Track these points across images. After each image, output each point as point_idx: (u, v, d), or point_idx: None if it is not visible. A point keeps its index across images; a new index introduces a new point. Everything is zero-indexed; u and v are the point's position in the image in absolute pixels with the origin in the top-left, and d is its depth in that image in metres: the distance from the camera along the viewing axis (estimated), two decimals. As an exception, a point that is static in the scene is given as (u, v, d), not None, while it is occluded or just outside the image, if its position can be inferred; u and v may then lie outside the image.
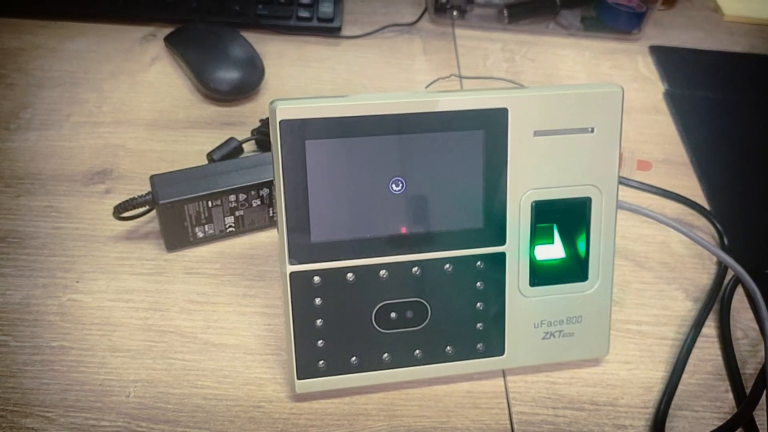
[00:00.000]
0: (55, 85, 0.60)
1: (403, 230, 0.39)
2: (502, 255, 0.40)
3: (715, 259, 0.51)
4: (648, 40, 0.73)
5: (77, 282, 0.46)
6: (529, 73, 0.67)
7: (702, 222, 0.54)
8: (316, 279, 0.39)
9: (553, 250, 0.42)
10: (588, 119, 0.39)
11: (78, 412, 0.39)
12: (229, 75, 0.59)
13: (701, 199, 0.56)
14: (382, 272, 0.39)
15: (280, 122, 0.36)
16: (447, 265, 0.40)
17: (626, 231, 0.53)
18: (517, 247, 0.40)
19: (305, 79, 0.64)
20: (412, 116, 0.37)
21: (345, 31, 0.69)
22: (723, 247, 0.52)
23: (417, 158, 0.38)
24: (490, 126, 0.38)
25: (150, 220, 0.49)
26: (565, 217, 0.41)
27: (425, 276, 0.40)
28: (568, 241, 0.42)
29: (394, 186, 0.38)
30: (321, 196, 0.38)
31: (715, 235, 0.53)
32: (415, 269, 0.40)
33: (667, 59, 0.71)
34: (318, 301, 0.39)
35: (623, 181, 0.53)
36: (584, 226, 0.41)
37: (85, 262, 0.47)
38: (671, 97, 0.66)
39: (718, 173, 0.59)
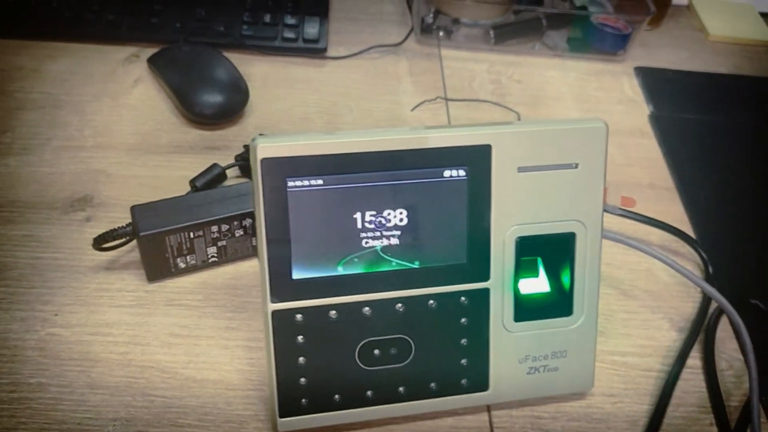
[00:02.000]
0: (37, 107, 0.60)
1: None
2: (486, 291, 0.40)
3: (698, 290, 0.51)
4: (633, 60, 0.73)
5: (56, 315, 0.45)
6: (515, 94, 0.67)
7: (687, 249, 0.54)
8: (299, 317, 0.38)
9: (537, 284, 0.42)
10: (572, 155, 0.39)
11: (55, 452, 0.38)
12: (212, 98, 0.58)
13: (686, 225, 0.56)
14: (366, 309, 0.39)
15: (261, 160, 0.36)
16: (431, 302, 0.40)
17: (611, 258, 0.53)
18: (501, 283, 0.40)
19: (290, 100, 0.63)
20: (395, 153, 0.37)
21: (330, 52, 0.69)
22: (707, 276, 0.52)
23: (400, 195, 0.38)
24: (474, 162, 0.38)
25: (131, 250, 0.49)
26: (550, 252, 0.41)
27: (409, 312, 0.39)
28: (553, 276, 0.42)
29: (377, 222, 0.38)
30: (302, 234, 0.37)
31: (700, 262, 0.53)
32: (398, 306, 0.39)
33: (653, 80, 0.71)
34: (300, 338, 0.39)
35: (608, 210, 0.53)
36: (569, 261, 0.41)
37: (65, 293, 0.46)
38: (656, 120, 0.66)
39: (703, 198, 0.59)
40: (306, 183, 0.37)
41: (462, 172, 0.38)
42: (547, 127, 0.39)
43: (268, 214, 0.36)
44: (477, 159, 0.38)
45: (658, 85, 0.70)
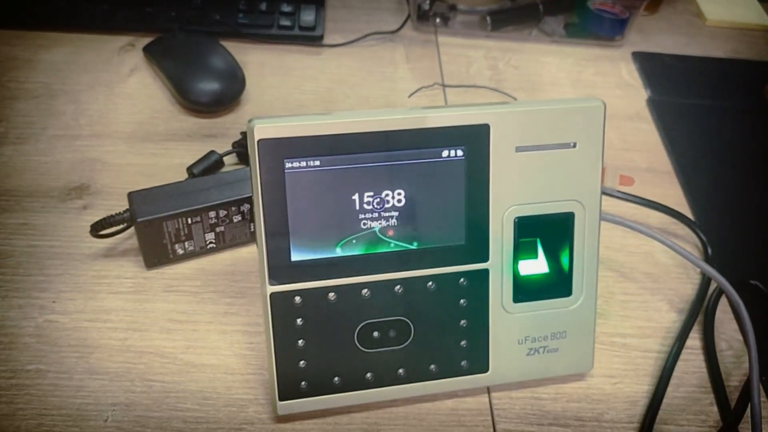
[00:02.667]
0: (31, 97, 0.59)
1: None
2: (485, 272, 0.40)
3: (699, 269, 0.51)
4: (631, 46, 0.73)
5: (54, 302, 0.45)
6: (512, 80, 0.67)
7: (686, 231, 0.54)
8: (297, 299, 0.38)
9: (536, 265, 0.42)
10: (570, 134, 0.39)
11: (54, 438, 0.38)
12: (209, 86, 0.58)
13: (685, 208, 0.56)
14: (365, 291, 0.39)
15: (258, 141, 0.36)
16: (430, 283, 0.39)
17: (610, 241, 0.53)
18: (500, 264, 0.40)
19: (287, 88, 0.63)
20: (392, 133, 0.37)
21: (327, 40, 0.68)
22: (707, 257, 0.52)
23: (398, 175, 0.38)
24: (472, 142, 0.38)
25: (129, 237, 0.49)
26: (549, 232, 0.41)
27: (408, 294, 0.39)
28: (552, 256, 0.42)
29: (375, 203, 0.38)
30: (301, 215, 0.37)
31: (699, 244, 0.53)
32: (397, 287, 0.39)
33: (650, 65, 0.71)
34: (299, 321, 0.38)
35: (606, 192, 0.53)
36: (567, 242, 0.41)
37: (62, 281, 0.46)
38: (654, 104, 0.66)
39: (701, 181, 0.58)
40: (304, 164, 0.36)
41: (460, 152, 0.38)
42: (545, 106, 0.39)
43: (265, 195, 0.36)
44: (475, 139, 0.38)
45: (656, 70, 0.70)
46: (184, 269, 0.48)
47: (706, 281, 0.50)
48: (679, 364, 0.45)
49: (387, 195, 0.38)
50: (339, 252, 0.38)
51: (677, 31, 0.77)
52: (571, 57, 0.71)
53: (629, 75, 0.70)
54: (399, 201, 0.38)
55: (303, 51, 0.67)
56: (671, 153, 0.61)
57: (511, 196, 0.39)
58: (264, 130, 0.35)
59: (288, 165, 0.36)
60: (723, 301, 0.50)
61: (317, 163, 0.37)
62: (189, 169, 0.52)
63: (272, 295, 0.38)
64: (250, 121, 0.36)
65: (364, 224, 0.38)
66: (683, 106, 0.66)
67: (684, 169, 0.59)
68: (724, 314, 0.49)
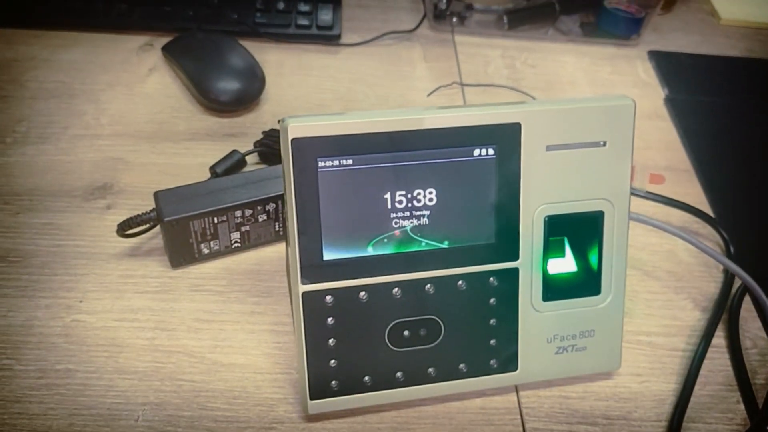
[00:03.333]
0: (51, 96, 0.59)
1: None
2: (515, 270, 0.40)
3: (722, 267, 0.51)
4: (646, 45, 0.73)
5: (81, 302, 0.45)
6: (529, 79, 0.67)
7: (708, 230, 0.54)
8: (329, 298, 0.38)
9: (564, 264, 0.42)
10: (600, 133, 0.39)
11: (86, 437, 0.38)
12: (229, 85, 0.58)
13: (705, 207, 0.56)
14: (395, 290, 0.39)
15: (292, 140, 0.36)
16: (460, 282, 0.39)
17: (633, 240, 0.53)
18: (530, 262, 0.40)
19: (306, 87, 0.63)
20: (424, 132, 0.37)
21: (344, 39, 0.68)
22: (729, 255, 0.52)
23: (430, 174, 0.38)
24: (503, 141, 0.38)
25: (153, 237, 0.49)
26: (577, 231, 0.41)
27: (438, 293, 0.39)
28: (580, 255, 0.42)
29: (407, 202, 0.38)
30: (333, 214, 0.37)
31: (721, 243, 0.53)
32: (428, 287, 0.39)
33: (667, 64, 0.71)
34: (330, 320, 0.38)
35: (632, 191, 0.53)
36: (597, 240, 0.41)
37: (88, 280, 0.46)
38: (672, 103, 0.66)
39: (721, 179, 0.59)
40: (336, 163, 0.36)
41: (491, 151, 0.38)
42: (576, 105, 0.39)
43: (298, 195, 0.36)
44: (506, 137, 0.38)
45: (672, 68, 0.70)
46: (209, 269, 0.48)
47: (729, 279, 0.50)
48: (705, 363, 0.45)
49: (419, 194, 0.38)
50: (371, 251, 0.38)
51: (692, 30, 0.77)
52: (587, 56, 0.71)
53: (646, 74, 0.70)
54: (430, 200, 0.38)
55: (321, 50, 0.67)
56: (690, 151, 0.61)
57: (541, 195, 0.39)
58: (298, 129, 0.35)
59: (321, 164, 0.36)
60: (746, 299, 0.50)
61: (350, 162, 0.37)
62: (212, 168, 0.52)
63: (304, 294, 0.38)
64: (282, 120, 0.36)
65: (396, 223, 0.38)
66: (701, 105, 0.66)
67: (703, 167, 0.59)
68: (747, 312, 0.49)
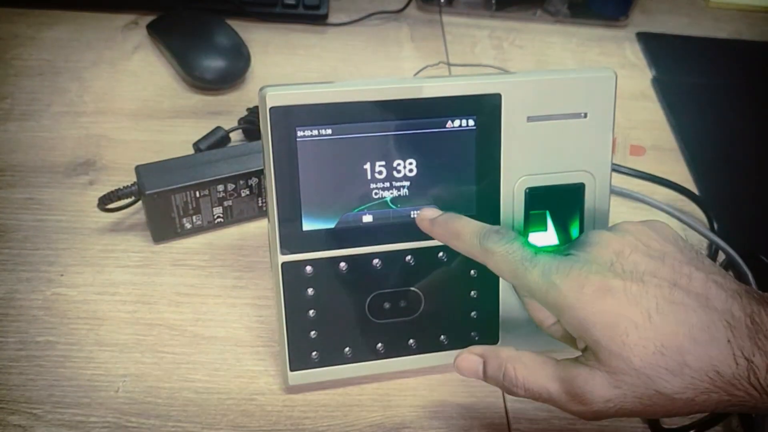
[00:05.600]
0: (35, 74, 0.59)
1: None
2: (496, 242, 0.40)
3: (704, 244, 0.51)
4: (635, 26, 0.73)
5: (62, 275, 0.45)
6: (517, 60, 0.67)
7: (692, 207, 0.54)
8: (308, 269, 0.38)
9: (546, 237, 0.42)
10: (581, 104, 0.39)
11: (66, 408, 0.38)
12: (214, 63, 0.58)
13: (690, 184, 0.56)
14: (375, 261, 0.39)
15: (270, 109, 0.35)
16: (441, 253, 0.39)
17: (616, 217, 0.52)
18: (511, 235, 0.40)
19: (291, 67, 0.63)
20: (404, 102, 0.37)
21: (331, 19, 0.68)
22: (712, 232, 0.52)
23: (410, 145, 0.37)
24: (484, 112, 0.38)
25: (136, 212, 0.48)
26: (559, 203, 0.41)
27: (419, 265, 0.39)
28: (562, 228, 0.42)
29: (387, 173, 0.38)
30: (312, 184, 0.37)
31: (705, 220, 0.53)
32: (408, 258, 0.39)
33: (655, 45, 0.71)
34: (310, 291, 0.38)
35: (613, 167, 0.53)
36: (578, 213, 0.41)
37: (70, 255, 0.46)
38: (659, 84, 0.66)
39: (706, 158, 0.59)
40: (315, 132, 0.36)
41: (471, 122, 0.38)
42: (557, 76, 0.39)
43: (277, 164, 0.36)
44: (487, 108, 0.38)
45: (660, 50, 0.70)
46: (191, 243, 0.47)
47: (712, 256, 0.50)
48: (687, 337, 0.45)
49: (399, 164, 0.38)
50: (350, 222, 0.38)
51: (680, 12, 0.77)
52: (575, 37, 0.71)
53: (634, 55, 0.70)
54: (410, 171, 0.38)
55: (307, 30, 0.67)
56: (676, 131, 0.61)
57: (522, 167, 0.39)
58: (276, 97, 0.35)
59: (300, 133, 0.36)
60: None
61: (329, 131, 0.36)
62: (195, 144, 0.52)
63: (284, 264, 0.38)
64: (261, 89, 0.36)
65: (376, 194, 0.38)
66: (688, 85, 0.66)
67: (688, 147, 0.59)
68: (730, 289, 0.49)
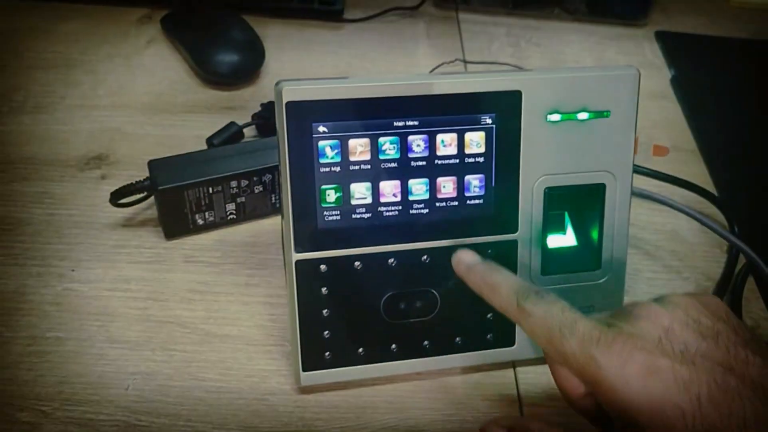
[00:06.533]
0: (49, 66, 0.59)
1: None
2: (514, 243, 0.39)
3: (725, 248, 0.50)
4: (654, 25, 0.72)
5: (73, 270, 0.44)
6: (534, 58, 0.66)
7: (711, 210, 0.53)
8: (323, 267, 0.37)
9: (565, 239, 0.41)
10: (603, 102, 0.38)
11: (75, 405, 0.38)
12: (228, 57, 0.57)
13: (710, 186, 0.55)
14: (391, 260, 0.38)
15: (286, 104, 0.35)
16: (457, 254, 0.39)
17: (636, 218, 0.52)
18: (529, 235, 0.39)
19: (306, 62, 0.62)
20: (422, 98, 0.36)
21: (347, 15, 0.67)
22: (733, 234, 0.51)
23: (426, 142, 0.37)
24: (503, 109, 0.37)
25: (148, 207, 0.48)
26: (578, 204, 0.40)
27: (435, 264, 0.39)
28: (581, 229, 0.41)
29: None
30: (328, 181, 0.36)
31: (725, 222, 0.52)
32: (424, 257, 0.38)
33: (674, 45, 0.70)
34: (324, 290, 0.38)
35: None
36: (598, 214, 0.40)
37: (82, 250, 0.45)
38: (678, 83, 0.65)
39: (725, 160, 0.58)
40: (332, 127, 0.36)
41: (489, 120, 0.37)
42: (578, 73, 0.38)
43: (293, 160, 0.36)
44: (506, 105, 0.37)
45: (680, 49, 0.69)
46: (203, 240, 0.47)
47: (732, 260, 0.49)
48: (707, 342, 0.44)
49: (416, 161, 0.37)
50: (366, 220, 0.37)
51: (700, 11, 0.76)
52: (593, 36, 0.70)
53: (653, 54, 0.69)
54: (428, 167, 0.37)
55: (323, 26, 0.66)
56: (695, 131, 0.60)
57: (541, 166, 0.38)
58: (292, 92, 0.35)
59: (316, 129, 0.35)
60: (749, 280, 0.49)
61: (346, 127, 0.36)
62: (209, 140, 0.52)
63: (297, 262, 0.37)
64: (277, 83, 0.35)
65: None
66: (707, 86, 0.65)
67: (708, 148, 0.58)
68: (750, 293, 0.48)
